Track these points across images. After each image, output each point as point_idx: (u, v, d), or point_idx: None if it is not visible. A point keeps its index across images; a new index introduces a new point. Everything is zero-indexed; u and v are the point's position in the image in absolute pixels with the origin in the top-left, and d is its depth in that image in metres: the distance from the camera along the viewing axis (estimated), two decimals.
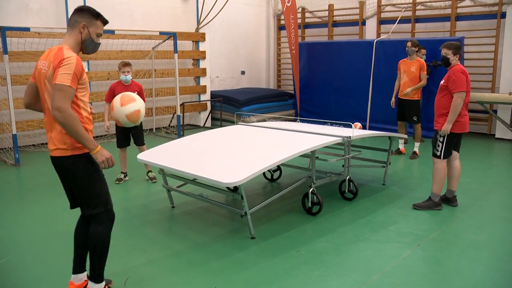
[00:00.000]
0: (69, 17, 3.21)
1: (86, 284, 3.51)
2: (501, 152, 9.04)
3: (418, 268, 4.04)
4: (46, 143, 9.30)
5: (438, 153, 5.39)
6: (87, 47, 3.24)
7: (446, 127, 5.27)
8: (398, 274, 3.90)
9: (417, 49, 8.10)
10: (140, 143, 6.66)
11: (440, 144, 5.36)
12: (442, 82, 5.39)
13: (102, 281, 3.43)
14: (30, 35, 8.67)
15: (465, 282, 3.77)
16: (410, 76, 8.11)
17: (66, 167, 3.19)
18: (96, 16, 3.21)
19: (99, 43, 3.30)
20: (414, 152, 8.27)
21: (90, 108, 3.45)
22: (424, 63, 8.14)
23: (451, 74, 5.27)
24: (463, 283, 3.75)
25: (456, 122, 5.28)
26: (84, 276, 3.54)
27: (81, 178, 3.22)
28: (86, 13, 3.18)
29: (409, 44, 8.10)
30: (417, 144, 8.32)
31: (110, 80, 10.06)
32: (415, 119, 8.18)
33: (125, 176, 6.80)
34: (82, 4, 9.45)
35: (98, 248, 3.35)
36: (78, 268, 3.52)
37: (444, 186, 5.65)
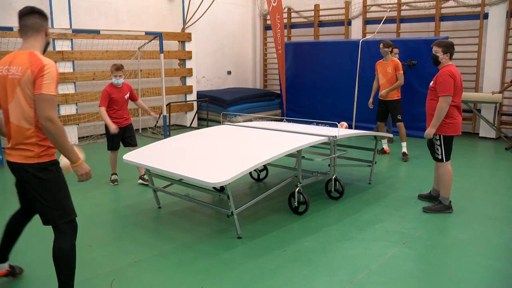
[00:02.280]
0: (29, 19, 3.12)
1: (7, 274, 3.62)
2: (485, 150, 9.15)
3: (404, 266, 4.07)
4: None
5: (440, 157, 5.31)
6: (47, 49, 3.25)
7: (430, 131, 5.21)
8: (384, 272, 3.93)
9: (390, 49, 8.10)
10: (134, 143, 6.65)
11: (439, 148, 5.28)
12: (431, 83, 5.29)
13: None
14: (13, 35, 8.56)
15: (451, 279, 3.81)
16: (387, 77, 8.14)
17: (32, 174, 3.08)
18: (47, 17, 3.22)
19: None
20: (404, 154, 8.15)
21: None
22: (399, 62, 8.15)
23: (438, 76, 5.15)
24: (448, 280, 3.79)
25: (449, 124, 5.17)
26: (6, 266, 3.61)
27: (48, 186, 3.12)
28: (44, 16, 3.17)
29: (381, 45, 8.13)
30: (404, 144, 8.24)
31: (96, 81, 10.00)
32: (399, 118, 8.18)
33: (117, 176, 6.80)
34: (66, 4, 9.36)
35: (65, 262, 3.23)
36: (2, 257, 3.57)
37: (430, 183, 5.71)
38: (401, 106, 8.27)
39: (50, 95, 2.93)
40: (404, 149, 8.23)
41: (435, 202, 5.51)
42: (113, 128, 6.25)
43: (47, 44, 3.22)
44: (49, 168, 3.12)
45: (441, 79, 5.11)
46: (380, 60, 8.35)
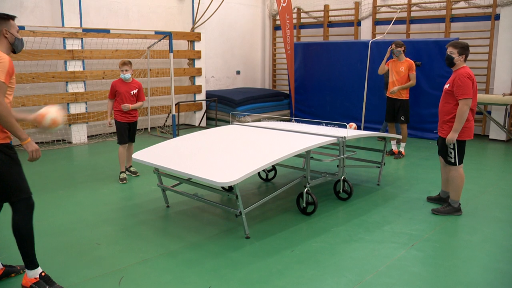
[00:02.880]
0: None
1: (4, 273, 3.79)
2: (495, 153, 9.09)
3: (412, 268, 4.05)
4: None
5: (453, 161, 5.24)
6: (17, 46, 3.54)
7: (452, 136, 5.10)
8: (392, 274, 3.92)
9: (403, 48, 8.10)
10: (133, 139, 6.99)
11: (452, 152, 5.21)
12: (446, 86, 5.18)
13: (37, 266, 3.60)
14: (24, 34, 8.63)
15: (459, 282, 3.79)
16: (398, 76, 8.13)
17: None
18: (6, 18, 3.48)
19: (22, 38, 3.58)
20: (400, 152, 8.34)
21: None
22: (413, 63, 8.13)
23: (456, 78, 5.05)
24: (456, 283, 3.77)
25: (464, 128, 5.09)
26: None
27: (7, 166, 3.40)
28: (3, 20, 3.44)
29: (393, 46, 8.13)
30: (403, 145, 8.37)
31: (105, 79, 10.05)
32: (403, 119, 8.20)
33: (126, 173, 6.91)
34: (77, 3, 9.42)
35: (24, 236, 3.49)
36: None
37: (439, 185, 5.68)
38: (409, 107, 8.27)
39: None
40: (402, 149, 8.36)
41: (444, 204, 5.48)
42: (108, 122, 6.86)
43: (12, 43, 3.49)
44: (1, 150, 3.38)
45: (459, 82, 5.01)
46: (393, 59, 8.29)
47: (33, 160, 3.49)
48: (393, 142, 8.56)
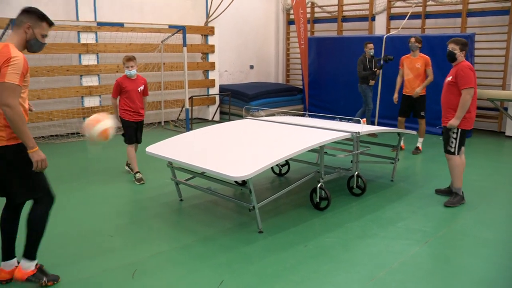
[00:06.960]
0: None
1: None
2: (511, 150, 8.97)
3: (426, 265, 4.03)
4: None
5: (452, 150, 5.43)
6: (32, 46, 3.44)
7: (454, 122, 5.33)
8: (405, 270, 3.89)
9: (420, 45, 8.07)
10: (140, 140, 6.70)
11: (454, 141, 5.40)
12: (449, 78, 5.42)
13: (35, 259, 3.59)
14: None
15: (472, 279, 3.75)
16: (415, 72, 8.09)
17: (1, 156, 3.31)
18: (41, 18, 3.43)
19: (45, 43, 3.53)
20: (417, 148, 8.34)
21: (30, 106, 3.66)
22: (429, 59, 8.09)
23: (459, 70, 5.29)
24: (470, 280, 3.74)
25: (467, 118, 5.35)
26: (14, 262, 3.65)
27: (20, 166, 3.35)
28: (32, 14, 3.39)
29: (412, 39, 8.08)
30: (420, 140, 8.35)
31: (119, 73, 10.09)
32: (423, 114, 8.18)
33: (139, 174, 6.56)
34: None
35: (39, 228, 3.52)
36: (8, 255, 3.62)
37: (448, 179, 5.64)
38: (425, 103, 8.20)
39: (12, 84, 3.16)
40: (419, 144, 8.37)
41: (452, 195, 5.59)
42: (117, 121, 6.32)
43: (28, 41, 3.40)
44: (20, 148, 3.33)
45: (462, 73, 5.27)
46: (407, 55, 8.27)
47: (38, 171, 3.36)
48: (420, 140, 8.43)
